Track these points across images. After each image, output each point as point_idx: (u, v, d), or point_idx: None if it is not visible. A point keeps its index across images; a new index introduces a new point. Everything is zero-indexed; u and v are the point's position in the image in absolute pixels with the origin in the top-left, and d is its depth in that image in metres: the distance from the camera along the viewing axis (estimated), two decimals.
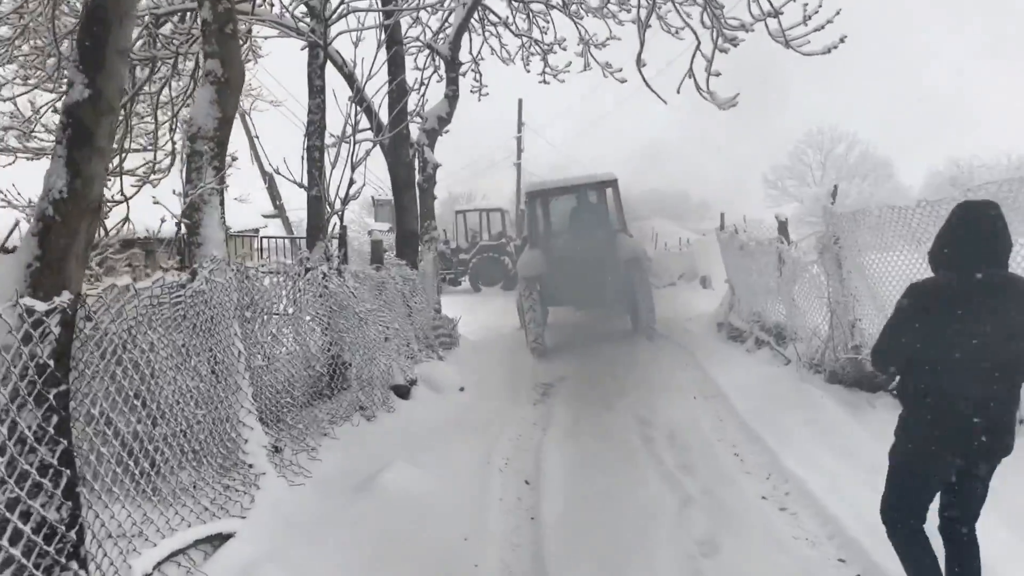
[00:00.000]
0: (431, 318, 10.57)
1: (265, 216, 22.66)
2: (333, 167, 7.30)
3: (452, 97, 11.97)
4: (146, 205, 8.14)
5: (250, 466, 5.18)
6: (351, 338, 7.31)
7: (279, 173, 7.45)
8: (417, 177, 11.70)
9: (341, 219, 7.51)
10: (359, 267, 8.85)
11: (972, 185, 7.85)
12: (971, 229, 3.43)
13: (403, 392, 8.28)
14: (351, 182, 7.32)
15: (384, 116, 9.70)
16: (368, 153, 7.39)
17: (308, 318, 6.67)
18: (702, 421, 8.17)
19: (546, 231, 14.71)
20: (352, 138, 7.27)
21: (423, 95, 12.28)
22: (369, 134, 7.74)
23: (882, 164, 68.81)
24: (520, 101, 34.35)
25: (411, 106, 12.12)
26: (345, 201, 7.38)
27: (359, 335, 7.48)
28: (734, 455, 7.02)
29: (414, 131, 11.81)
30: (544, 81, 12.81)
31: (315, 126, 7.44)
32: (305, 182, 7.37)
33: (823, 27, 7.07)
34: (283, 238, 18.92)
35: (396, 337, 8.71)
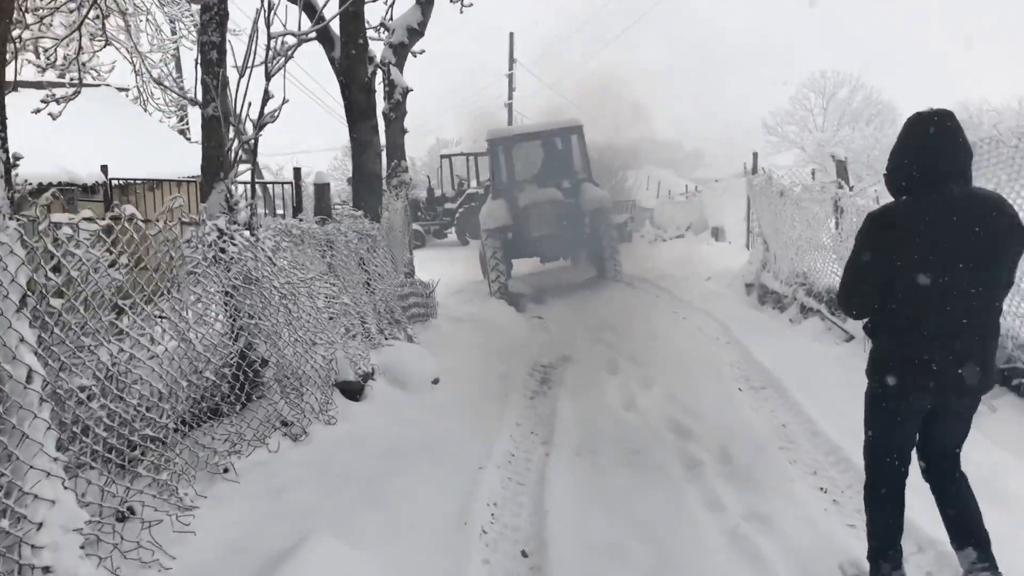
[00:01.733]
0: (399, 285, 8.31)
1: None
2: (241, 75, 4.96)
3: (425, 3, 9.51)
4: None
5: (45, 571, 2.98)
6: (269, 323, 5.06)
7: (160, 84, 5.13)
8: (382, 105, 9.35)
9: (254, 151, 5.18)
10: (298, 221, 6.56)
11: (982, 131, 6.51)
12: (928, 143, 3.15)
13: (354, 392, 6.08)
14: (267, 96, 4.98)
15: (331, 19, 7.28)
16: (290, 54, 5.03)
17: (193, 299, 4.41)
18: (760, 429, 6.01)
19: (509, 180, 14.35)
20: (267, 30, 4.91)
21: (391, 5, 9.81)
22: (300, 30, 5.35)
23: (887, 108, 66.88)
24: (511, 35, 31.56)
25: (375, 19, 9.68)
26: (259, 125, 5.05)
27: (283, 318, 5.24)
28: (820, 491, 4.87)
29: (378, 49, 9.40)
30: None
31: (212, 13, 5.04)
32: (198, 96, 5.03)
33: None
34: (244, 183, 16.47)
35: (346, 315, 6.46)
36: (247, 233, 4.94)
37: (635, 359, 8.43)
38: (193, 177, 17.67)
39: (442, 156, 26.50)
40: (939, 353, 3.15)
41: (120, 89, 20.67)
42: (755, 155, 11.80)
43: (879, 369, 3.34)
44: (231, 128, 4.99)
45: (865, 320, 3.44)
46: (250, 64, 4.89)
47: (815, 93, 68.18)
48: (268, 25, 4.92)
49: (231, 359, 4.76)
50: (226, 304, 4.77)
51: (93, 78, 19.99)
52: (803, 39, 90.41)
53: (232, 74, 5.29)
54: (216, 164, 4.99)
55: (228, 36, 5.62)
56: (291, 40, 5.01)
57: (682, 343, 9.09)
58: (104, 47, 9.12)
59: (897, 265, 3.15)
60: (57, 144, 12.35)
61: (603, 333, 9.93)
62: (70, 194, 11.94)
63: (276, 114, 4.99)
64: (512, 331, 10.08)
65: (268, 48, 4.94)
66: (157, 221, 4.00)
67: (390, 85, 9.38)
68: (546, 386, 7.68)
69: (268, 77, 4.95)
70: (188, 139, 27.96)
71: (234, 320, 4.81)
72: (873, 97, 66.00)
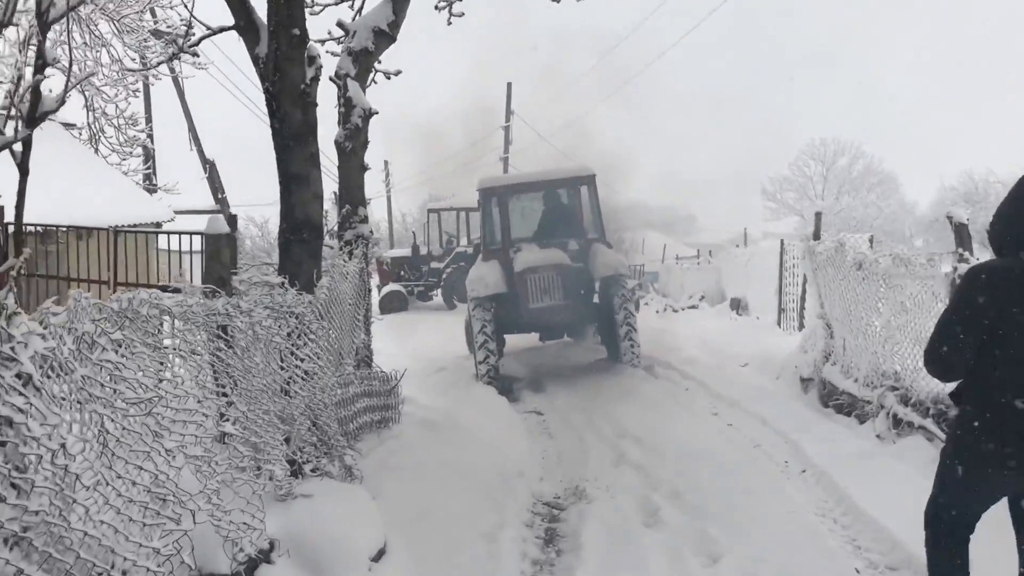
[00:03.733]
0: (342, 384, 5.76)
1: (179, 212, 17.68)
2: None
3: None
4: None
5: None
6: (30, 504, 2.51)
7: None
8: (338, 132, 6.96)
9: (23, 166, 2.68)
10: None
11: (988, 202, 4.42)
12: None
13: None
14: (41, 62, 2.52)
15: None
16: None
17: None
18: None
19: (504, 238, 11.75)
20: None
21: (358, 9, 7.49)
22: None
23: (887, 178, 66.24)
24: (509, 85, 29.64)
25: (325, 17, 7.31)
26: (33, 118, 2.63)
27: (64, 488, 2.68)
28: None
29: (330, 61, 7.03)
30: None
31: None
32: None
33: None
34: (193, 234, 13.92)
35: (232, 454, 3.89)
36: None
37: (680, 498, 5.85)
38: (136, 226, 15.27)
39: (429, 210, 24.04)
40: None
41: (66, 125, 18.40)
42: (818, 215, 9.40)
43: (968, 436, 3.13)
44: None
45: (953, 387, 3.29)
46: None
47: (815, 160, 67.35)
48: None
49: None
50: None
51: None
52: (802, 105, 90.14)
53: None
54: None
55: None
56: None
57: (741, 470, 6.51)
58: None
59: (997, 326, 2.99)
60: None
61: (626, 446, 7.36)
62: None
63: (58, 104, 2.52)
64: (503, 441, 7.49)
65: None
66: None
67: (347, 104, 6.95)
68: (553, 550, 5.07)
69: (44, 20, 2.49)
70: (153, 185, 25.64)
71: None
72: (874, 167, 65.16)
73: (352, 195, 7.02)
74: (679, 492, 5.95)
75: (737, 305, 17.24)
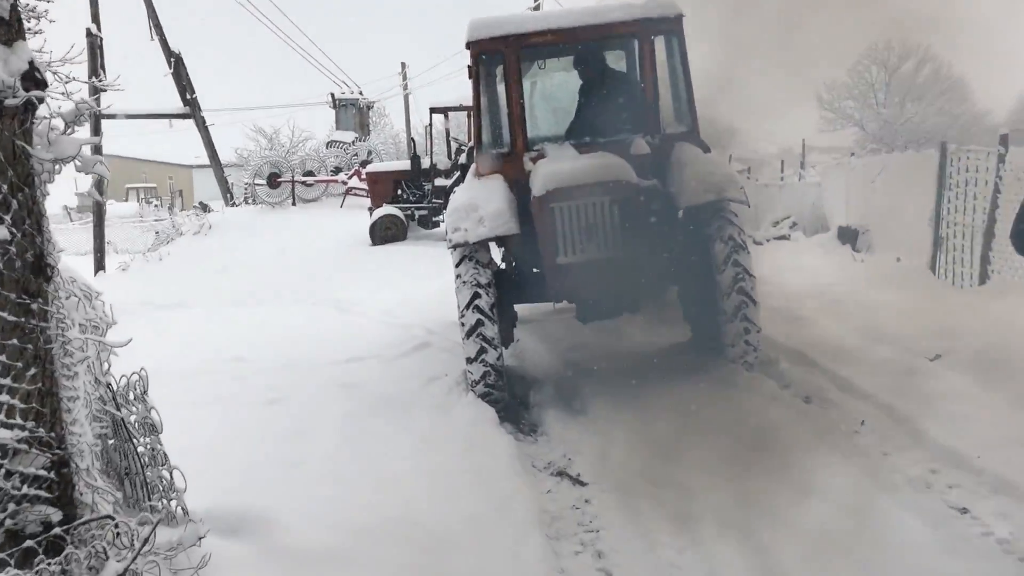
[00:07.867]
0: None
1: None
2: None
3: None
4: None
5: None
6: None
7: None
8: None
9: None
10: None
11: None
12: None
13: None
14: None
15: None
16: None
17: None
18: None
19: (514, 136, 6.60)
20: None
21: None
22: None
23: (958, 84, 59.38)
24: None
25: None
26: None
27: None
28: None
29: None
30: None
31: None
32: None
33: None
34: None
35: None
36: None
37: None
38: None
39: (432, 109, 18.73)
40: None
41: None
42: None
43: None
44: None
45: None
46: None
47: (877, 66, 60.66)
48: None
49: None
50: None
51: None
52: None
53: None
54: None
55: None
56: None
57: None
58: None
59: None
60: None
61: None
62: None
63: None
64: None
65: None
66: None
67: None
68: None
69: None
70: (101, 82, 20.85)
71: None
72: (942, 72, 58.45)
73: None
74: None
75: (854, 238, 12.22)
